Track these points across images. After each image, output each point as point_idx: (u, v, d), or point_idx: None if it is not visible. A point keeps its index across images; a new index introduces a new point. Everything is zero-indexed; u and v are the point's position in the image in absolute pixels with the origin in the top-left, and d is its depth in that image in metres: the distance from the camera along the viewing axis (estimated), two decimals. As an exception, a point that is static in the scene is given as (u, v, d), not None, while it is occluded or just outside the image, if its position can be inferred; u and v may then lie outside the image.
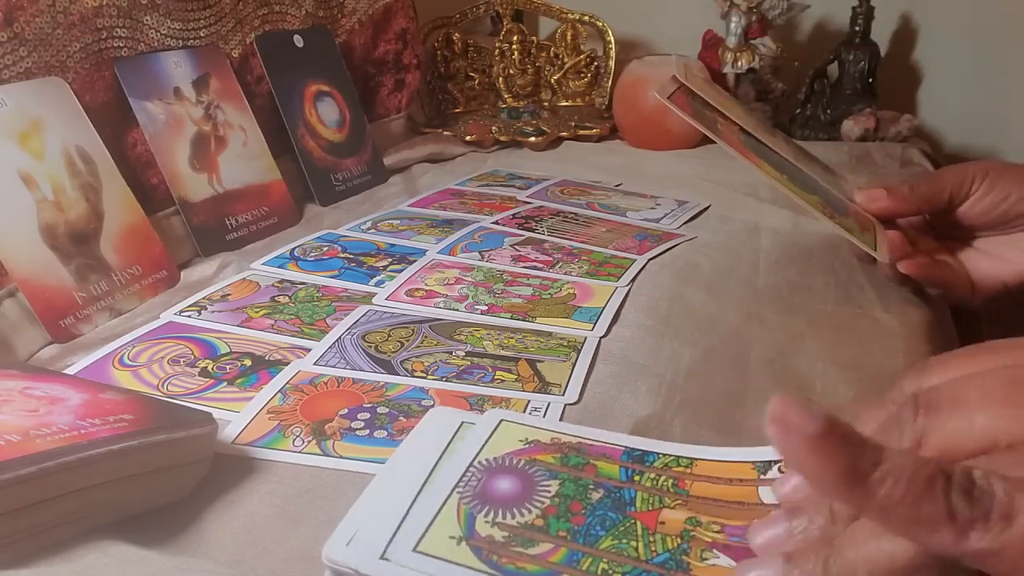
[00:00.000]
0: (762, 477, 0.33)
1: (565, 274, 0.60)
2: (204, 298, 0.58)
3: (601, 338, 0.51)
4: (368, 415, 0.43)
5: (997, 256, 0.54)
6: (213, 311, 0.55)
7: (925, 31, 1.02)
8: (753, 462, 0.34)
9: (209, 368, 0.48)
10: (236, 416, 0.43)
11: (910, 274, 0.52)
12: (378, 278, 0.60)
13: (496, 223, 0.70)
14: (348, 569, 0.29)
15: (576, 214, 0.73)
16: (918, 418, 0.24)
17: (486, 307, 0.55)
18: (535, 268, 0.61)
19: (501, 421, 0.37)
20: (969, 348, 0.27)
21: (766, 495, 0.32)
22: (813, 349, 0.49)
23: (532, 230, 0.68)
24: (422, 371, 0.47)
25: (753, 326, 0.52)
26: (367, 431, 0.42)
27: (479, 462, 0.34)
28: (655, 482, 0.33)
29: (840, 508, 0.26)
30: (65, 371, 0.49)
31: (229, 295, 0.58)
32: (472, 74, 1.07)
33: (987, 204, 0.52)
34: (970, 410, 0.23)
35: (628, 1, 1.11)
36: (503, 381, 0.46)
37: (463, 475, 0.33)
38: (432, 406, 0.43)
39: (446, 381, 0.46)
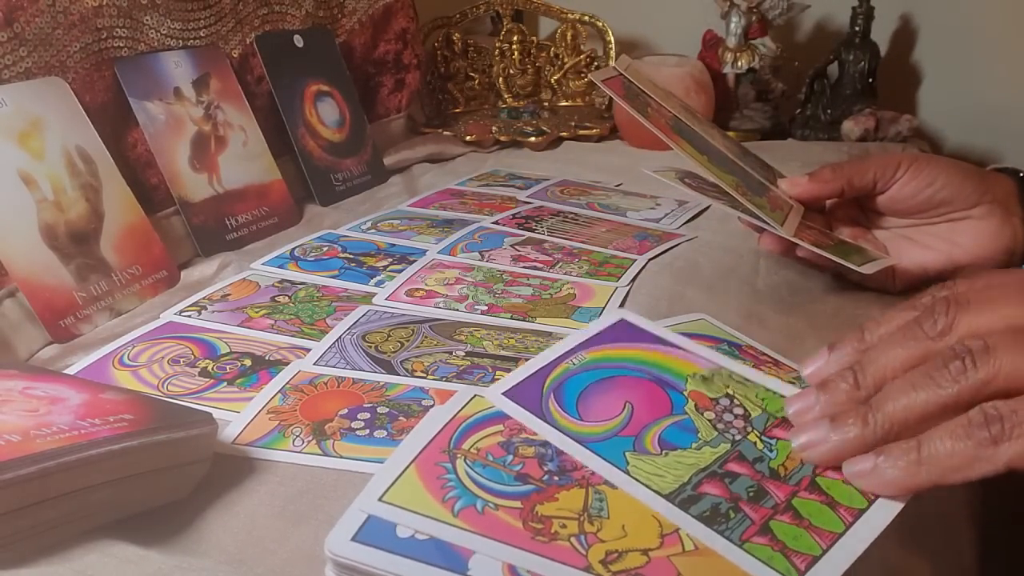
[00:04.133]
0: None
1: (565, 274, 0.60)
2: (204, 298, 0.58)
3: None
4: (368, 415, 0.43)
5: (920, 244, 0.55)
6: (213, 311, 0.55)
7: (925, 31, 1.02)
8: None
9: (209, 368, 0.48)
10: (236, 416, 0.43)
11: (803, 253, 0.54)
12: (378, 278, 0.60)
13: (496, 223, 0.70)
14: (350, 562, 0.29)
15: (576, 214, 0.73)
16: (950, 311, 0.32)
17: (486, 307, 0.55)
18: (535, 268, 0.61)
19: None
20: (989, 270, 0.36)
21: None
22: (814, 349, 0.49)
23: (532, 230, 0.68)
24: (422, 371, 0.47)
25: (753, 326, 0.52)
26: (367, 431, 0.42)
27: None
28: None
29: (863, 377, 0.33)
30: (65, 371, 0.49)
31: (229, 295, 0.58)
32: (472, 74, 1.07)
33: (912, 189, 0.53)
34: (995, 305, 0.31)
35: (628, 1, 1.11)
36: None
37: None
38: (432, 406, 0.43)
39: (446, 381, 0.46)
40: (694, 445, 0.35)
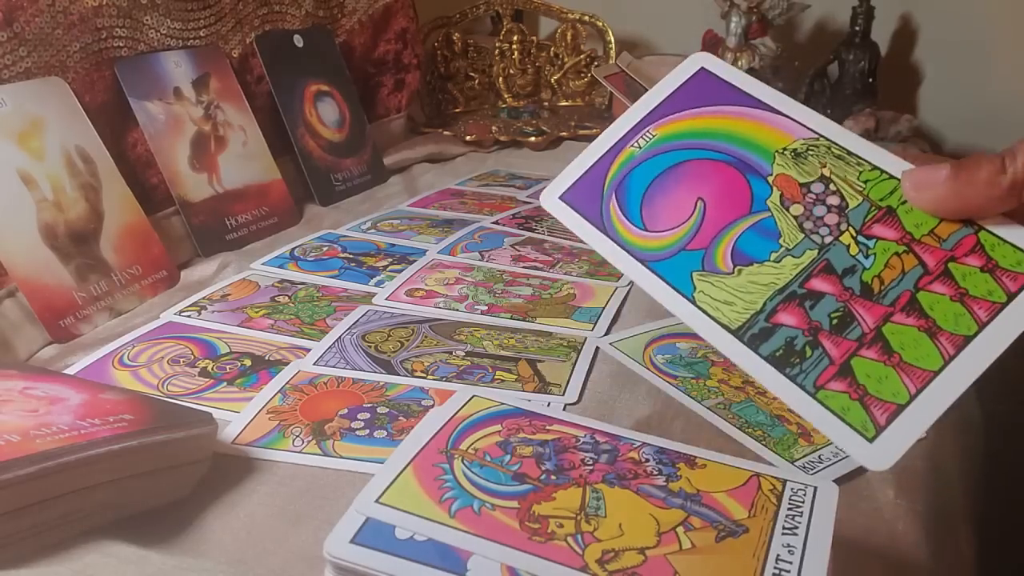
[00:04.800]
0: None
1: (565, 274, 0.60)
2: (204, 298, 0.58)
3: (601, 338, 0.51)
4: (368, 415, 0.43)
5: None
6: (213, 311, 0.55)
7: (925, 31, 1.02)
8: None
9: (209, 368, 0.48)
10: (236, 416, 0.43)
11: None
12: (378, 278, 0.60)
13: (496, 223, 0.70)
14: (349, 564, 0.29)
15: (576, 214, 0.72)
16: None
17: (486, 307, 0.55)
18: (535, 268, 0.61)
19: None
20: None
21: None
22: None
23: (532, 230, 0.68)
24: (422, 371, 0.47)
25: (753, 326, 0.52)
26: (367, 431, 0.42)
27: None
28: None
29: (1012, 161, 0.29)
30: (65, 371, 0.49)
31: (229, 295, 0.58)
32: (472, 74, 1.07)
33: None
34: None
35: (628, 1, 1.11)
36: (503, 381, 0.46)
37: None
38: (432, 406, 0.43)
39: (446, 381, 0.46)
40: (773, 256, 0.31)
